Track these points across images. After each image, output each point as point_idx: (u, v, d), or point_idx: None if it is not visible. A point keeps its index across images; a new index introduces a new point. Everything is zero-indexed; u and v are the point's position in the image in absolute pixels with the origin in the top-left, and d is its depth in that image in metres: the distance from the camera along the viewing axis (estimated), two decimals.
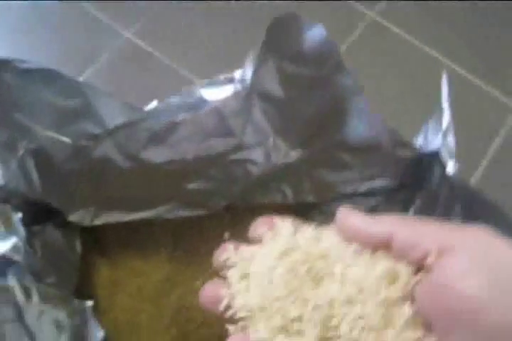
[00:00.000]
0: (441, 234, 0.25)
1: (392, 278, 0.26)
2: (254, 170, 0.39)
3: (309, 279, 0.27)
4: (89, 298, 0.42)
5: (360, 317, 0.26)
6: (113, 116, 0.33)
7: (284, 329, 0.27)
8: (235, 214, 0.45)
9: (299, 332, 0.27)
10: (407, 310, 0.26)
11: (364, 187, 0.41)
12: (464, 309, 0.23)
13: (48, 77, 0.32)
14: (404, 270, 0.26)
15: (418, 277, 0.26)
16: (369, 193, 0.41)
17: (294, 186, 0.41)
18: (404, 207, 0.40)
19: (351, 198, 0.41)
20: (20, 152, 0.33)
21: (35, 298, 0.30)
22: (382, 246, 0.26)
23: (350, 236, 0.27)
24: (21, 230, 0.32)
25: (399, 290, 0.26)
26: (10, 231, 0.31)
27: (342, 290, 0.26)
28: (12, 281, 0.29)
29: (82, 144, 0.34)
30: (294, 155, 0.39)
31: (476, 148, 0.64)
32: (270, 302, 0.27)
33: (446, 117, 0.34)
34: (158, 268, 0.44)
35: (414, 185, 0.40)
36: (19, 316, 0.29)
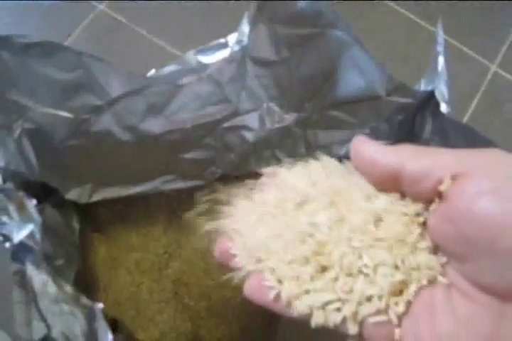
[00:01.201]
0: (454, 160, 0.24)
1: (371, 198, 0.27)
2: (250, 136, 0.39)
3: (299, 213, 0.28)
4: (89, 275, 0.43)
5: (348, 238, 0.27)
6: (116, 85, 0.32)
7: (285, 262, 0.28)
8: (226, 186, 0.45)
9: (299, 263, 0.27)
10: (402, 229, 0.26)
11: None
12: (480, 233, 0.22)
13: (48, 50, 0.31)
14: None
15: (432, 207, 0.25)
16: None
17: (288, 151, 0.41)
18: None
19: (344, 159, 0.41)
20: (17, 132, 0.32)
21: (52, 288, 0.29)
22: (395, 177, 0.25)
23: (363, 166, 0.27)
24: (36, 217, 0.32)
25: (380, 205, 0.26)
26: (26, 218, 0.31)
27: (326, 213, 0.27)
28: (30, 270, 0.29)
29: (82, 117, 0.33)
30: (289, 118, 0.39)
31: (458, 107, 0.65)
32: (265, 240, 0.29)
33: (441, 60, 0.34)
34: (154, 242, 0.44)
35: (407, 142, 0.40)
36: (34, 300, 0.29)
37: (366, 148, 0.26)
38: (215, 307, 0.43)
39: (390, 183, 0.26)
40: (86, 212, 0.42)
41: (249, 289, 0.29)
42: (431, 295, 0.25)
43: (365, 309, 0.26)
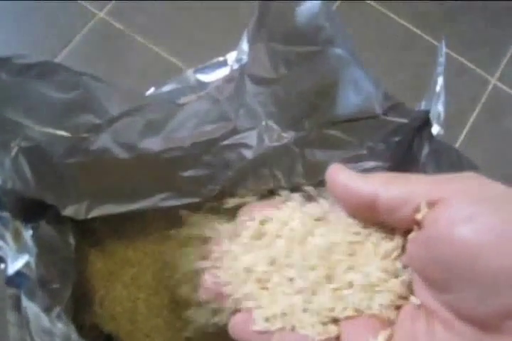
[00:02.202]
0: (429, 187, 0.23)
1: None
2: (248, 154, 0.39)
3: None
4: (85, 289, 0.43)
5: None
6: (115, 104, 0.32)
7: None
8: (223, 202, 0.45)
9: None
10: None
11: (355, 169, 0.40)
12: (459, 259, 0.21)
13: (46, 70, 0.31)
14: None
15: (411, 235, 0.25)
16: None
17: (286, 169, 0.41)
18: None
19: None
20: (14, 151, 0.32)
21: (45, 322, 0.29)
22: (370, 207, 0.25)
23: (338, 195, 0.26)
24: (32, 246, 0.32)
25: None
26: (21, 248, 0.31)
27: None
28: (25, 300, 0.29)
29: (81, 136, 0.33)
30: (287, 137, 0.39)
31: (457, 119, 0.65)
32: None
33: (440, 81, 0.34)
34: (151, 258, 0.44)
35: (404, 166, 0.40)
36: (27, 325, 0.29)
37: (340, 176, 0.26)
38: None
39: (368, 212, 0.26)
40: (82, 226, 0.41)
41: (234, 328, 0.29)
42: (413, 326, 0.24)
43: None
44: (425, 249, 0.23)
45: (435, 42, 0.68)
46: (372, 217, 0.26)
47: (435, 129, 0.34)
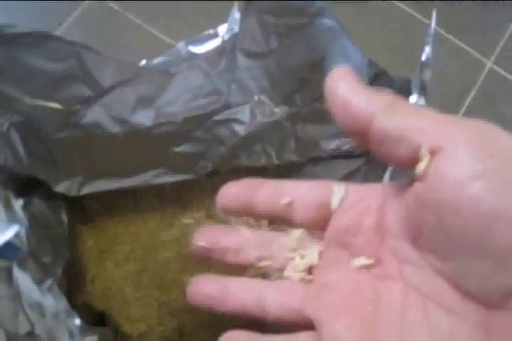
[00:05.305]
0: (433, 127, 0.20)
1: None
2: (241, 130, 0.39)
3: None
4: (77, 267, 0.42)
5: None
6: (107, 75, 0.32)
7: None
8: (216, 182, 0.45)
9: None
10: None
11: (346, 145, 0.40)
12: (468, 225, 0.18)
13: (37, 40, 0.30)
14: None
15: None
16: (351, 155, 0.41)
17: (278, 146, 0.41)
18: (384, 170, 0.39)
19: (332, 160, 0.41)
20: (5, 126, 0.32)
21: (37, 295, 0.29)
22: (363, 132, 0.21)
23: (335, 109, 0.22)
24: (22, 217, 0.31)
25: None
26: (12, 218, 0.30)
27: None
28: (16, 271, 0.29)
29: (72, 109, 0.33)
30: (279, 112, 0.39)
31: (451, 103, 0.65)
32: None
33: (427, 51, 0.33)
34: (143, 236, 0.43)
35: None
36: (19, 298, 0.29)
37: (342, 85, 0.21)
38: None
39: (360, 138, 0.22)
40: (75, 203, 0.41)
41: (193, 295, 0.28)
42: (403, 316, 0.21)
43: None
44: (428, 209, 0.20)
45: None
46: (364, 144, 0.22)
47: (415, 98, 0.33)
